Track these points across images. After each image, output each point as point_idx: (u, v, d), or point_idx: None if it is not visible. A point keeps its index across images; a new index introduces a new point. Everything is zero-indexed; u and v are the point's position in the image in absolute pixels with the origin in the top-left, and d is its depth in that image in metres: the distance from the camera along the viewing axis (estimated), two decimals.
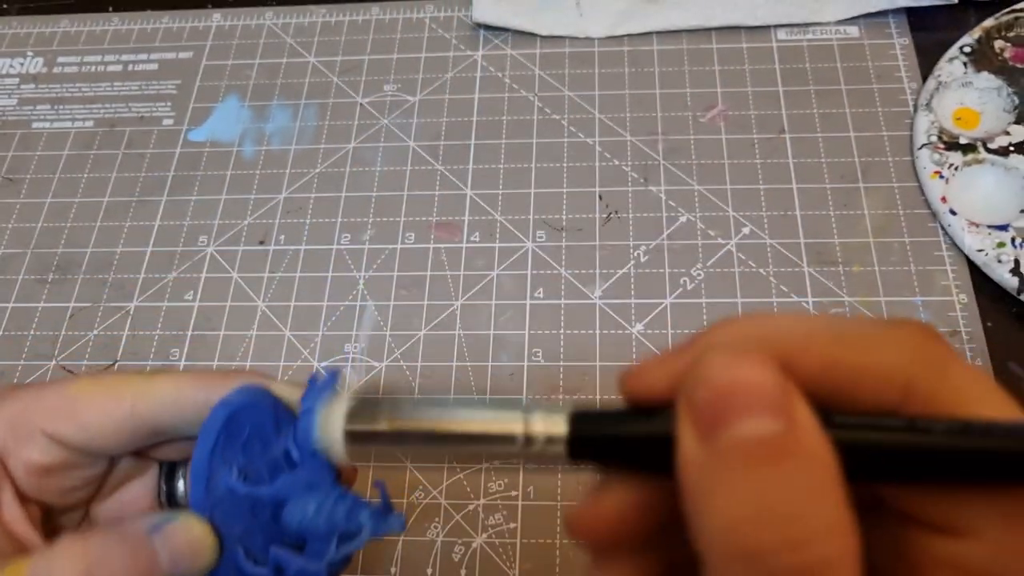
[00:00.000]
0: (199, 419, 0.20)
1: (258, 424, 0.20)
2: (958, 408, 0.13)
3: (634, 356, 0.36)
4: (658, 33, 0.45)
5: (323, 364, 0.37)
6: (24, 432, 0.20)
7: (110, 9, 0.50)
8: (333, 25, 0.48)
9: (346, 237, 0.40)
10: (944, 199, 0.37)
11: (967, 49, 0.41)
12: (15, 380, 0.38)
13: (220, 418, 0.20)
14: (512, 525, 0.33)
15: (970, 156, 0.38)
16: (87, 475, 0.21)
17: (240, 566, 0.20)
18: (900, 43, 0.43)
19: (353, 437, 0.19)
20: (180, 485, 0.23)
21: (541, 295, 0.38)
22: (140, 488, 0.23)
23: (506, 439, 0.17)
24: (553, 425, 0.17)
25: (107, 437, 0.20)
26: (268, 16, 0.48)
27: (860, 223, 0.38)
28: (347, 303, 0.38)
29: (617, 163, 0.41)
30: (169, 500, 0.23)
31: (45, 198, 0.43)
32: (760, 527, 0.11)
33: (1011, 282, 0.35)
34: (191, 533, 0.19)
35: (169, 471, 0.23)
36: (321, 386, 0.20)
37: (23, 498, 0.20)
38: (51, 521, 0.22)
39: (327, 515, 0.20)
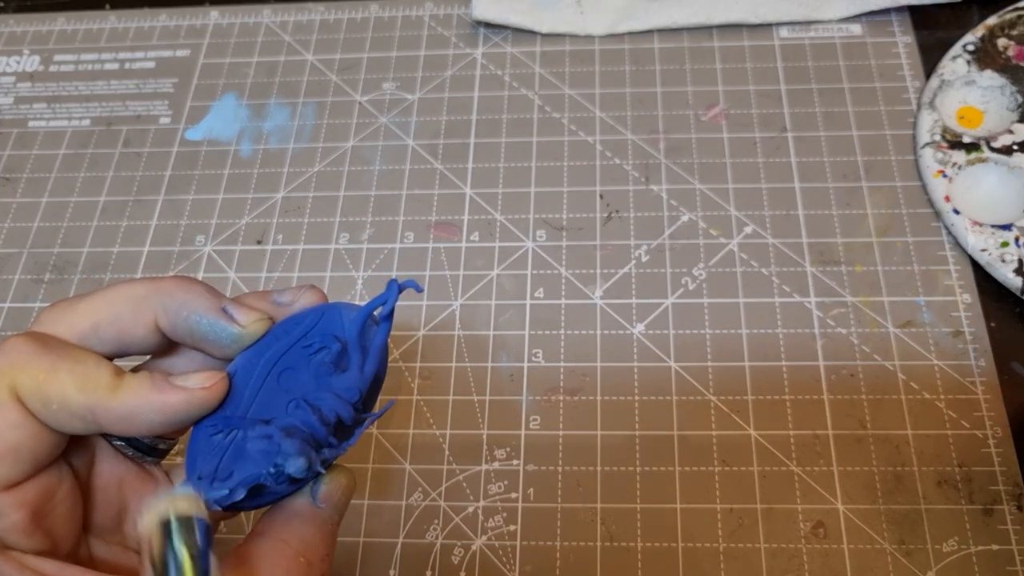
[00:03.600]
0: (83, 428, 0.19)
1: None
2: None
3: (635, 356, 0.35)
4: (659, 31, 0.44)
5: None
6: None
7: (107, 7, 0.49)
8: (332, 23, 0.47)
9: (344, 236, 0.40)
10: (947, 198, 0.37)
11: (970, 47, 0.41)
12: None
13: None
14: (512, 527, 0.32)
15: (973, 155, 0.38)
16: (53, 480, 0.20)
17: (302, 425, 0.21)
18: (903, 41, 0.43)
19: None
20: None
21: (541, 295, 0.37)
22: (105, 466, 0.22)
23: None
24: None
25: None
26: (266, 14, 0.48)
27: (863, 223, 0.38)
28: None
29: (618, 162, 0.41)
30: (129, 443, 0.22)
31: (41, 197, 0.43)
32: None
33: (1015, 282, 0.35)
34: (340, 483, 0.22)
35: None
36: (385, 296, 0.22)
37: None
38: None
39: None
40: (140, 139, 0.44)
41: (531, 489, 0.33)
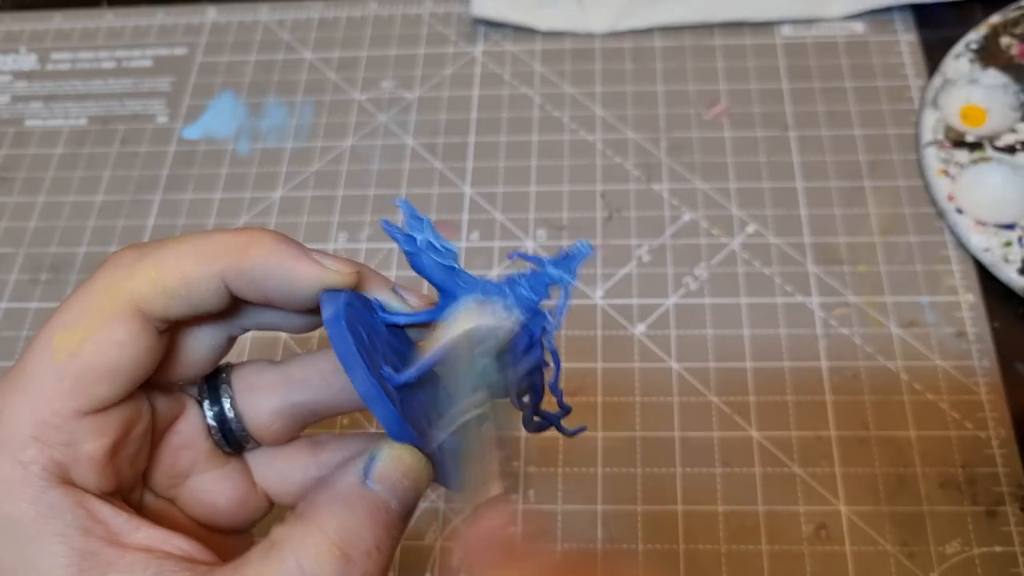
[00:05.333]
0: (216, 301, 0.19)
1: (361, 317, 0.19)
2: None
3: (636, 357, 0.35)
4: (660, 29, 0.44)
5: None
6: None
7: (104, 5, 0.49)
8: (330, 21, 0.47)
9: (343, 236, 0.40)
10: (951, 197, 0.37)
11: (973, 46, 0.40)
12: None
13: (347, 335, 0.18)
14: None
15: (976, 154, 0.38)
16: (136, 418, 0.20)
17: (444, 446, 0.20)
18: (905, 39, 0.43)
19: None
20: (227, 406, 0.21)
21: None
22: (186, 428, 0.21)
23: None
24: None
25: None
26: (264, 12, 0.48)
27: (865, 222, 0.38)
28: None
29: (619, 161, 0.40)
30: (222, 428, 0.21)
31: (38, 197, 0.42)
32: None
33: (1018, 282, 0.35)
34: (403, 464, 0.18)
35: (212, 398, 0.22)
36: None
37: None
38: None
39: (522, 298, 0.20)
40: (137, 138, 0.44)
41: (531, 491, 0.33)
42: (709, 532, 0.31)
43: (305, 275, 0.19)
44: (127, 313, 0.18)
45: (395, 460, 0.18)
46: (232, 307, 0.20)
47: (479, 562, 0.17)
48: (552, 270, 0.20)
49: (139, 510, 0.20)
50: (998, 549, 0.30)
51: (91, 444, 0.18)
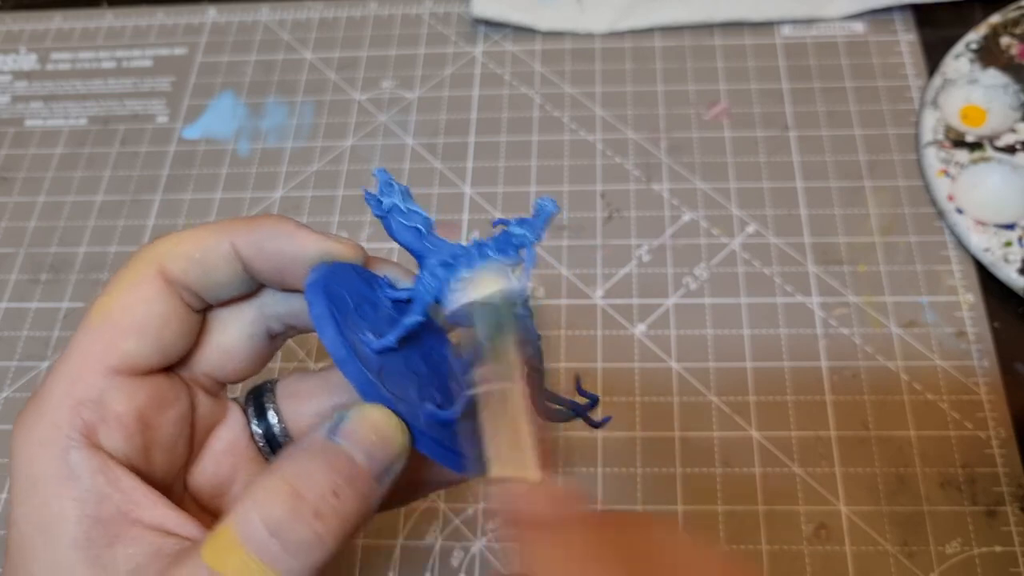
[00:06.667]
0: (229, 269, 0.20)
1: (352, 288, 0.20)
2: None
3: (636, 357, 0.35)
4: (660, 29, 0.44)
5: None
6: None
7: (104, 5, 0.49)
8: (330, 21, 0.47)
9: (343, 236, 0.40)
10: (951, 197, 0.37)
11: (973, 46, 0.40)
12: (7, 382, 0.37)
13: (322, 297, 0.19)
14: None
15: (976, 154, 0.38)
16: (173, 402, 0.20)
17: (436, 417, 0.19)
18: (905, 39, 0.43)
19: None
20: (272, 417, 0.22)
21: (542, 295, 0.37)
22: (229, 434, 0.22)
23: None
24: None
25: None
26: (264, 12, 0.48)
27: (865, 222, 0.38)
28: None
29: (619, 161, 0.40)
30: (267, 436, 0.22)
31: (38, 197, 0.42)
32: None
33: (1018, 282, 0.35)
34: (369, 420, 0.18)
35: (256, 407, 0.22)
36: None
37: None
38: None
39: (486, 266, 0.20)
40: (137, 138, 0.44)
41: None
42: (709, 532, 0.31)
43: (308, 241, 0.20)
44: (152, 274, 0.20)
45: (362, 418, 0.18)
46: (255, 291, 0.21)
47: (522, 539, 0.17)
48: (516, 230, 0.20)
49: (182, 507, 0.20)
50: (998, 549, 0.30)
51: (120, 405, 0.19)
